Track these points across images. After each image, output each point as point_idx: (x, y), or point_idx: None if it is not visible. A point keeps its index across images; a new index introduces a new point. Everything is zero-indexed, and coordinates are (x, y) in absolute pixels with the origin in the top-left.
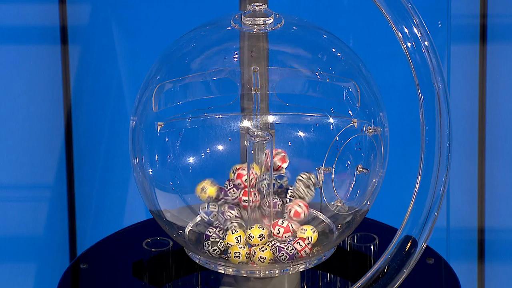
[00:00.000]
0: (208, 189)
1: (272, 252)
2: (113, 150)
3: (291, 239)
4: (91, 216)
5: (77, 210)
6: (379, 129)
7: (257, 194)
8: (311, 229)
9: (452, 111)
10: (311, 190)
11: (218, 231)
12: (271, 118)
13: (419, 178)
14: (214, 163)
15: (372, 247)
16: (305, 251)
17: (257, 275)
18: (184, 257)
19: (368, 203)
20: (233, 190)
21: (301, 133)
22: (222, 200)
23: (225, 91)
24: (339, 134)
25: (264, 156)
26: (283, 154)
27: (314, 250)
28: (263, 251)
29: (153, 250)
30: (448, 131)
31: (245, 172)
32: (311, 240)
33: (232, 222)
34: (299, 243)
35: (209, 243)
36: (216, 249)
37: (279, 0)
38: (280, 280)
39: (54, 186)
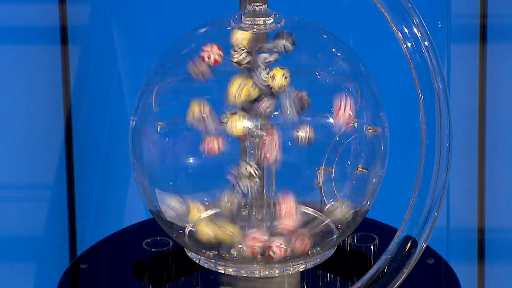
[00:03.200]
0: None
1: None
2: (113, 150)
3: None
4: (91, 216)
5: (77, 210)
6: (379, 129)
7: None
8: None
9: (452, 111)
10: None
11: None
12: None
13: (419, 178)
14: (214, 163)
15: (372, 247)
16: None
17: (257, 275)
18: (184, 257)
19: (368, 203)
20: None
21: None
22: None
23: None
24: (339, 134)
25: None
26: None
27: (314, 250)
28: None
29: (153, 250)
30: (448, 131)
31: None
32: None
33: None
34: None
35: None
36: None
37: (279, 0)
38: (280, 280)
39: (54, 186)
